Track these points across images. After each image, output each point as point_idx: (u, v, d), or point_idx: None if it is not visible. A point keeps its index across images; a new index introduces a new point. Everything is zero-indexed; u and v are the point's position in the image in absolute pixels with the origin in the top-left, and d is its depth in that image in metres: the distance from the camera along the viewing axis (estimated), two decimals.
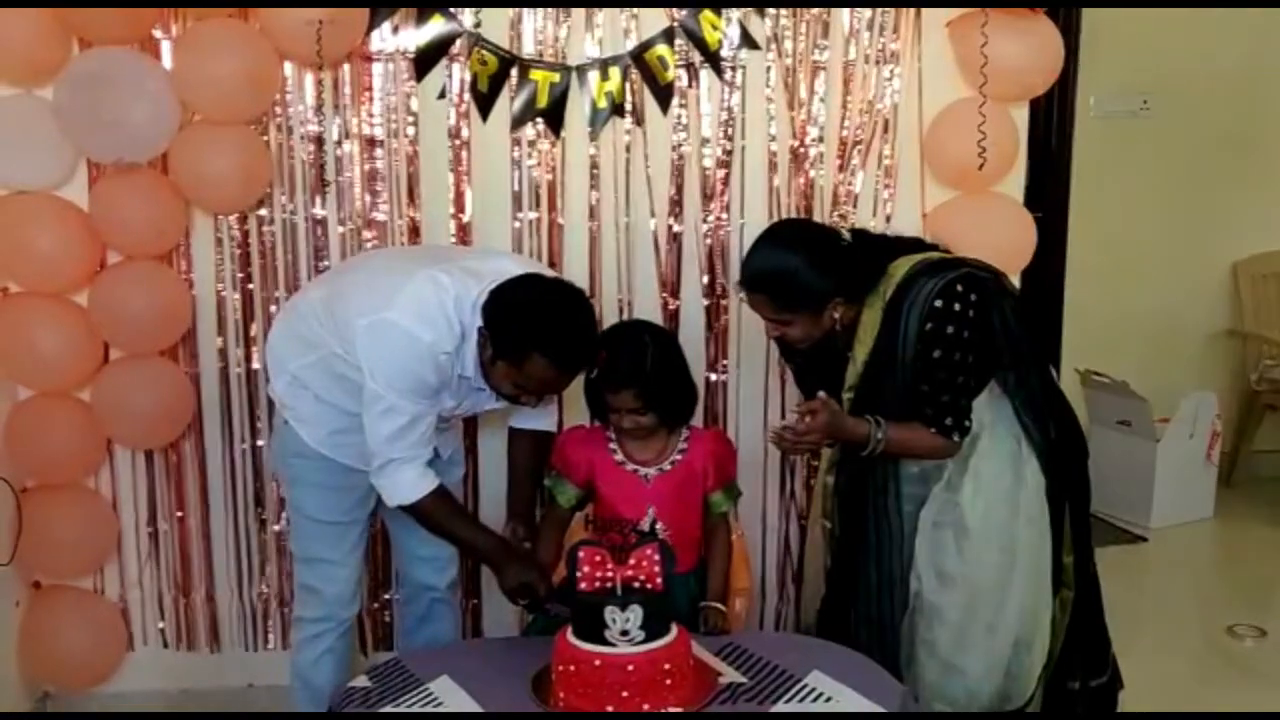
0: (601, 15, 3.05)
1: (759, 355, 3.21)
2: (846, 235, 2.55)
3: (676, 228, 3.16)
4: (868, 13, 3.10)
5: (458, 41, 3.02)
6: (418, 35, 3.00)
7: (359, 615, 2.90)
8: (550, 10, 3.03)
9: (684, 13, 3.05)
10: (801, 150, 3.15)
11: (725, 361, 3.23)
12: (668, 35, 3.06)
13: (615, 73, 3.06)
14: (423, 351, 2.36)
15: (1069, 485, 2.56)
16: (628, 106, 3.09)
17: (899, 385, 2.44)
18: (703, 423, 3.12)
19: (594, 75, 3.06)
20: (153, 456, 3.15)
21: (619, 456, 2.59)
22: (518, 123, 3.07)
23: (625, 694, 2.07)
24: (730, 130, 3.13)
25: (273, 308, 3.06)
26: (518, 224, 3.12)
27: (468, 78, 3.03)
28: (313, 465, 2.59)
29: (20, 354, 2.94)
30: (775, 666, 2.27)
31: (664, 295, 3.18)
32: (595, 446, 2.61)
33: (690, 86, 3.10)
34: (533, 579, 2.48)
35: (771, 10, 3.07)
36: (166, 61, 2.91)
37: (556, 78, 3.05)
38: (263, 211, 3.06)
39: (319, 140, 3.03)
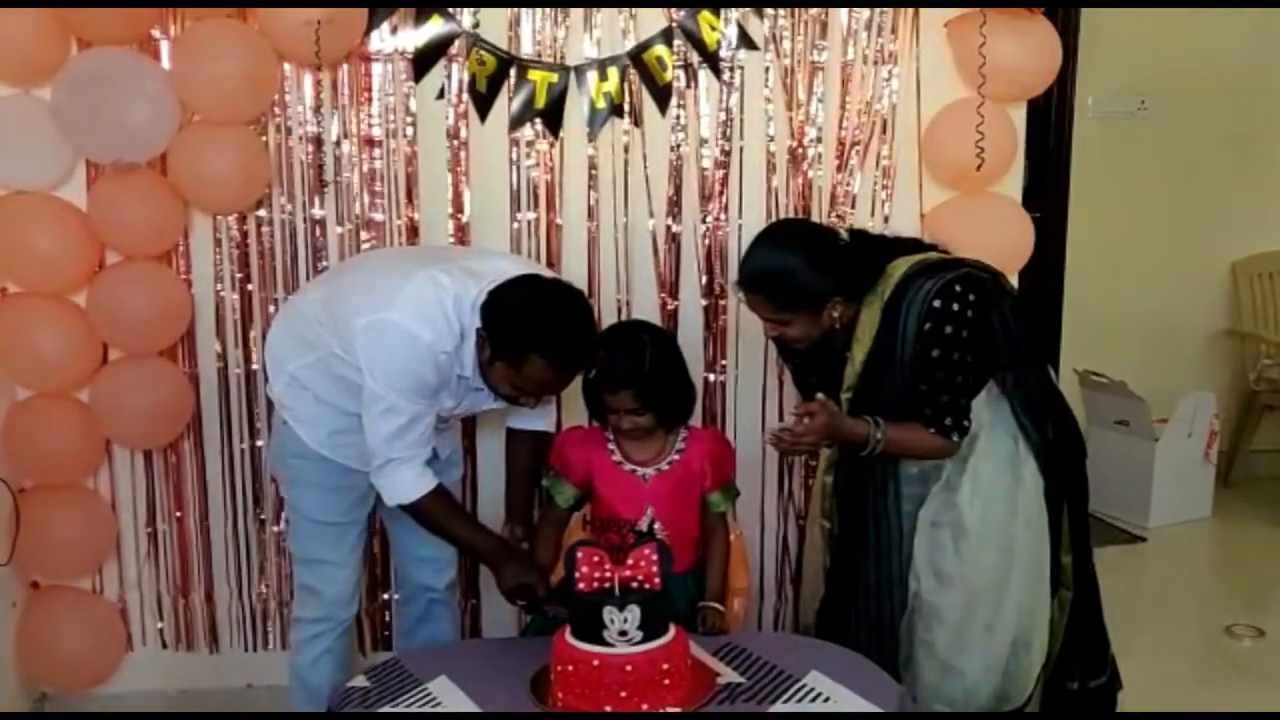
0: (600, 16, 3.05)
1: (757, 356, 3.21)
2: (844, 235, 2.55)
3: (675, 228, 3.16)
4: (866, 13, 3.11)
5: (456, 42, 3.02)
6: (416, 36, 3.00)
7: (358, 615, 2.90)
8: (549, 11, 3.03)
9: (682, 13, 3.05)
10: (800, 150, 3.15)
11: (724, 362, 3.23)
12: (666, 36, 3.06)
13: (614, 73, 3.06)
14: (422, 351, 2.36)
15: (1067, 485, 2.56)
16: (626, 107, 3.09)
17: (897, 385, 2.44)
18: (701, 423, 3.12)
19: (592, 76, 3.06)
20: (151, 457, 3.15)
21: (617, 457, 2.59)
22: (516, 123, 3.07)
23: (624, 694, 2.07)
24: (728, 131, 3.13)
25: (271, 308, 3.06)
26: (516, 224, 3.12)
27: (466, 78, 3.03)
28: (312, 466, 2.59)
29: (19, 354, 2.94)
30: (773, 667, 2.27)
31: (662, 295, 3.18)
32: (593, 446, 2.62)
33: (688, 87, 3.10)
34: (531, 579, 2.48)
35: (770, 11, 3.08)
36: (165, 62, 2.91)
37: (555, 78, 3.05)
38: (261, 212, 3.06)
39: (318, 140, 3.03)
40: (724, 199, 3.15)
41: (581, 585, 2.16)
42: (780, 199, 3.17)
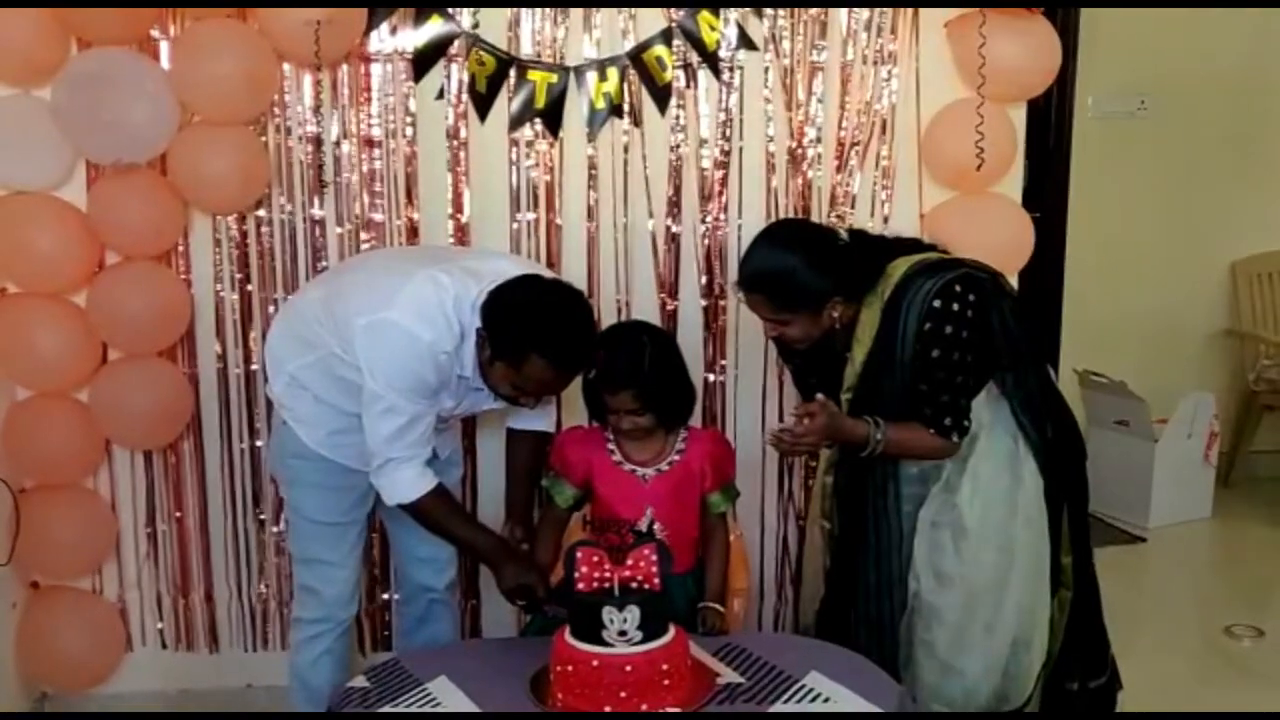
0: (599, 16, 3.05)
1: (757, 356, 3.21)
2: (844, 235, 2.55)
3: (675, 228, 3.16)
4: (865, 13, 3.11)
5: (456, 42, 3.02)
6: (416, 36, 3.00)
7: (358, 616, 2.91)
8: (548, 11, 3.03)
9: (682, 13, 3.05)
10: (799, 151, 3.15)
11: (723, 362, 3.23)
12: (665, 36, 3.06)
13: (613, 73, 3.06)
14: (422, 351, 2.36)
15: (1067, 485, 2.56)
16: (626, 107, 3.09)
17: (897, 385, 2.44)
18: (701, 423, 3.12)
19: (592, 76, 3.06)
20: (151, 457, 3.15)
21: (617, 457, 2.59)
22: (516, 123, 3.07)
23: (623, 694, 2.07)
24: (728, 131, 3.13)
25: (271, 308, 3.06)
26: (516, 224, 3.12)
27: (466, 78, 3.03)
28: (311, 466, 2.59)
29: (19, 354, 2.94)
30: (773, 667, 2.27)
31: (662, 296, 3.18)
32: (593, 447, 2.61)
33: (688, 87, 3.10)
34: (531, 579, 2.48)
35: (769, 11, 3.07)
36: (165, 62, 2.91)
37: (554, 78, 3.05)
38: (261, 212, 3.06)
39: (317, 141, 3.03)
40: (723, 199, 3.15)
41: (581, 585, 2.16)
42: (780, 199, 3.17)
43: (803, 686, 2.20)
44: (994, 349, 2.46)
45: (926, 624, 2.53)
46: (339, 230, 3.08)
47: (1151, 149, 4.74)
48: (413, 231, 3.08)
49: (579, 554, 2.18)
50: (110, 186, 2.90)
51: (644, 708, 2.08)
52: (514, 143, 3.09)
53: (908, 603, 2.55)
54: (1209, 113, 4.75)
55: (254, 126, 2.99)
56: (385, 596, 3.25)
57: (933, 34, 3.12)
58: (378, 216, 3.07)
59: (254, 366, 3.09)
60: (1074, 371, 4.55)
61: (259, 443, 3.14)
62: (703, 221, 3.16)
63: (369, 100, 3.03)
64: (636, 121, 3.10)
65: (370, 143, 3.05)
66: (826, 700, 2.16)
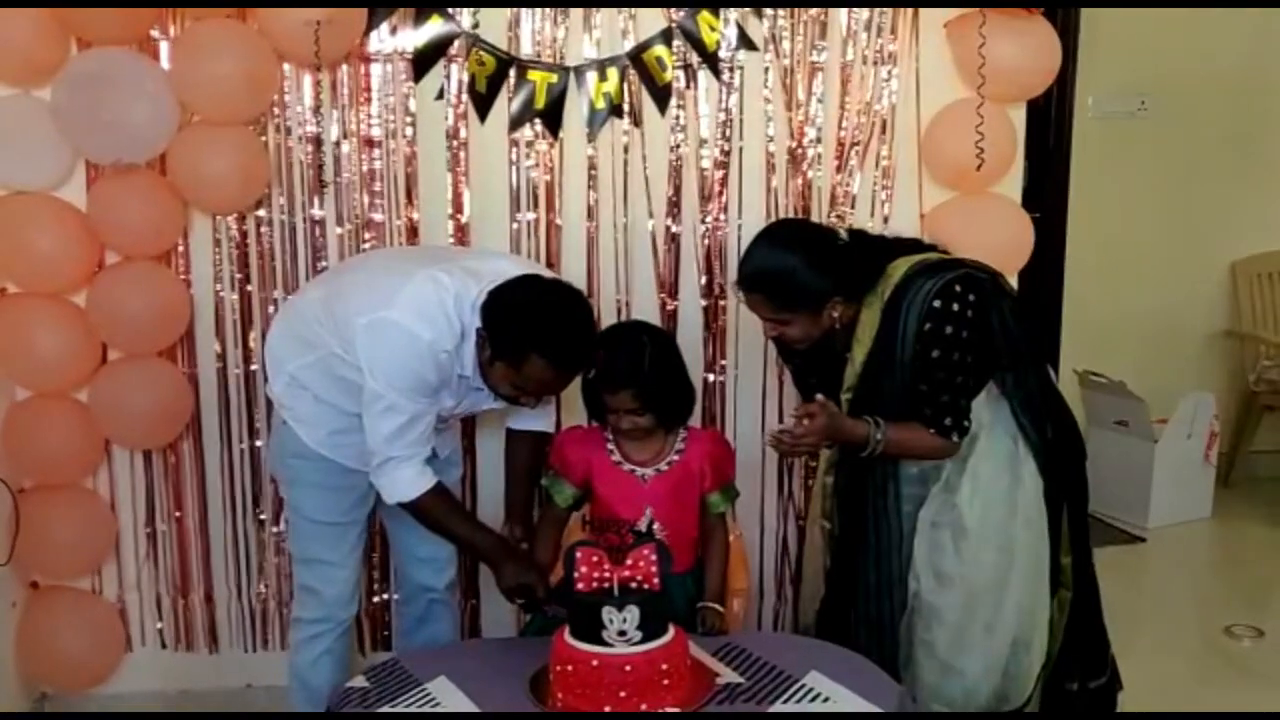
0: (599, 16, 3.05)
1: (757, 356, 3.21)
2: (844, 235, 2.55)
3: (674, 228, 3.16)
4: (865, 13, 3.11)
5: (456, 42, 3.02)
6: (416, 36, 3.00)
7: (357, 615, 2.90)
8: (548, 11, 3.03)
9: (682, 13, 3.05)
10: (799, 151, 3.15)
11: (723, 362, 3.23)
12: (665, 36, 3.06)
13: (613, 73, 3.06)
14: (422, 350, 2.36)
15: (1067, 486, 2.56)
16: (626, 107, 3.09)
17: (897, 385, 2.44)
18: (700, 423, 3.12)
19: (592, 76, 3.06)
20: (151, 457, 3.15)
21: (616, 457, 2.59)
22: (516, 123, 3.07)
23: (623, 694, 2.07)
24: (728, 131, 3.13)
25: (271, 308, 3.06)
26: (516, 224, 3.12)
27: (466, 78, 3.03)
28: (311, 466, 2.59)
29: (18, 354, 2.94)
30: (773, 667, 2.27)
31: (662, 296, 3.18)
32: (593, 446, 2.62)
33: (688, 87, 3.10)
34: (530, 579, 2.48)
35: (769, 11, 3.07)
36: (165, 62, 2.91)
37: (554, 78, 3.05)
38: (261, 212, 3.06)
39: (317, 141, 3.03)
40: (723, 199, 3.15)
41: (581, 585, 2.16)
42: (780, 199, 3.17)
43: (802, 686, 2.20)
44: (994, 349, 2.46)
45: (926, 624, 2.53)
46: (339, 230, 3.08)
47: (1151, 149, 4.74)
48: (413, 231, 3.08)
49: (578, 554, 2.18)
50: (110, 186, 2.90)
51: (644, 708, 2.08)
52: (514, 143, 3.09)
53: (908, 603, 2.55)
54: (1209, 113, 4.75)
55: (254, 126, 2.99)
56: (385, 596, 3.25)
57: (933, 34, 3.12)
58: (378, 216, 3.07)
59: (254, 366, 3.09)
60: (1074, 372, 4.55)
61: (259, 443, 3.14)
62: (703, 221, 3.16)
63: (369, 100, 3.03)
64: (636, 121, 3.10)
65: (370, 143, 3.05)
66: (826, 700, 2.16)
